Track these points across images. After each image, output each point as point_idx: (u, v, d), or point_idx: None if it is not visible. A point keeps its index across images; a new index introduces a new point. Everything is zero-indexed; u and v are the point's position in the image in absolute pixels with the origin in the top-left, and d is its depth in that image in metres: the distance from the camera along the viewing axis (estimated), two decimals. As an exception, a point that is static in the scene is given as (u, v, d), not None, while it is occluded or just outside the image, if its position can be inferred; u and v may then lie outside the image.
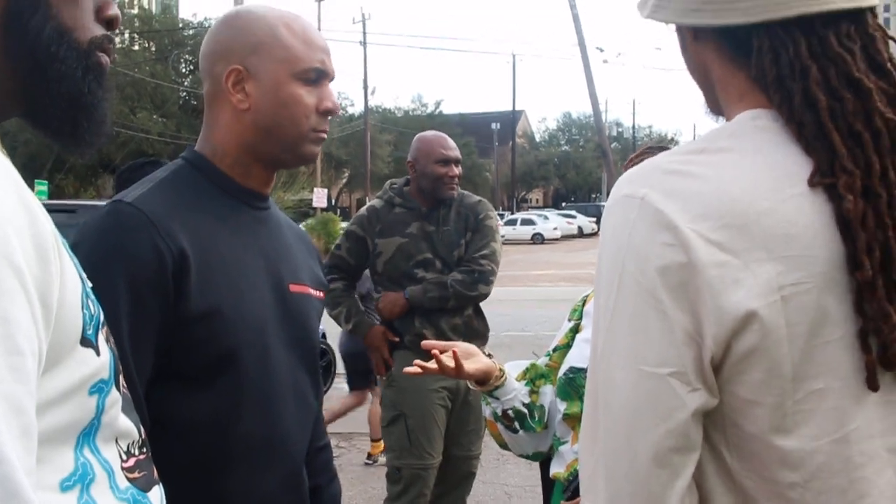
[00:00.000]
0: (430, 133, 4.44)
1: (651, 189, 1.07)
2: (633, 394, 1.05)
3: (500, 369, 2.29)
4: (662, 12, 1.20)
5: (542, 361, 2.38)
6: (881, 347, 1.04)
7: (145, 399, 1.56)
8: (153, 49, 43.64)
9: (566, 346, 2.36)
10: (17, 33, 1.03)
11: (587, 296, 2.43)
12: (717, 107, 1.28)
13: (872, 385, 1.05)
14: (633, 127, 77.99)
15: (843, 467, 1.06)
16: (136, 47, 44.75)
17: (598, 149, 32.32)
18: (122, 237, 1.60)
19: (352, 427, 7.88)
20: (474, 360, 2.26)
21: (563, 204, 69.33)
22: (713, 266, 1.02)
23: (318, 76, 1.77)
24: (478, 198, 4.41)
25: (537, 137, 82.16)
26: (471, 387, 2.34)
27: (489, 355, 4.16)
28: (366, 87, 48.37)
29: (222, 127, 1.78)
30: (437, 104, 65.57)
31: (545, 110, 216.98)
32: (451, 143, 4.32)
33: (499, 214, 50.97)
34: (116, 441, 1.06)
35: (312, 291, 1.90)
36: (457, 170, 4.21)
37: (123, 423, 1.08)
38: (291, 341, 1.79)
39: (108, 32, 1.13)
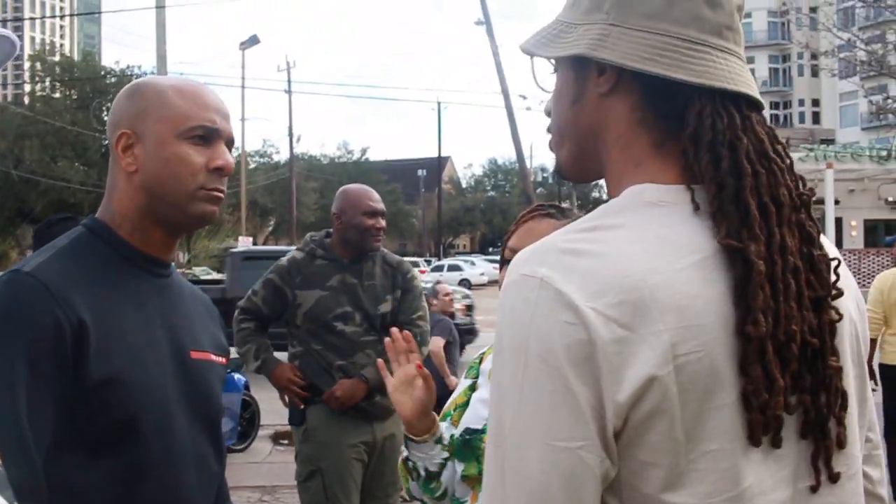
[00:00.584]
0: (356, 185, 4.47)
1: (549, 269, 1.09)
2: (545, 468, 1.06)
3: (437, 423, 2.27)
4: (605, 52, 1.21)
5: (444, 426, 2.35)
6: (760, 410, 1.10)
7: (46, 465, 1.55)
8: (74, 97, 43.12)
9: (465, 405, 2.36)
10: None
11: (484, 353, 2.46)
12: (584, 172, 1.33)
13: (756, 441, 1.10)
14: (558, 172, 78.84)
15: None
16: (58, 95, 44.17)
17: (524, 194, 32.54)
18: (20, 307, 1.59)
19: (276, 480, 7.77)
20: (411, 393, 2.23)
21: (490, 249, 69.77)
22: (612, 342, 1.05)
23: (208, 134, 1.77)
24: (398, 257, 4.46)
25: (463, 183, 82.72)
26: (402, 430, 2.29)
27: None
28: (291, 135, 48.31)
29: (118, 192, 1.80)
30: (364, 151, 65.98)
31: (471, 156, 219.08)
32: (377, 195, 4.36)
33: (425, 260, 51.45)
34: None
35: (214, 358, 1.91)
36: (382, 222, 4.25)
37: None
38: (193, 408, 1.79)
39: None
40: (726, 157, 1.15)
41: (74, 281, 1.65)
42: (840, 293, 1.21)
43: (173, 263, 1.91)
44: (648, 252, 1.10)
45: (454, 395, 2.44)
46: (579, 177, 1.36)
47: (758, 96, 1.23)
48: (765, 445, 1.12)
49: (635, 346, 1.05)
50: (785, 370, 1.11)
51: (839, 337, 1.20)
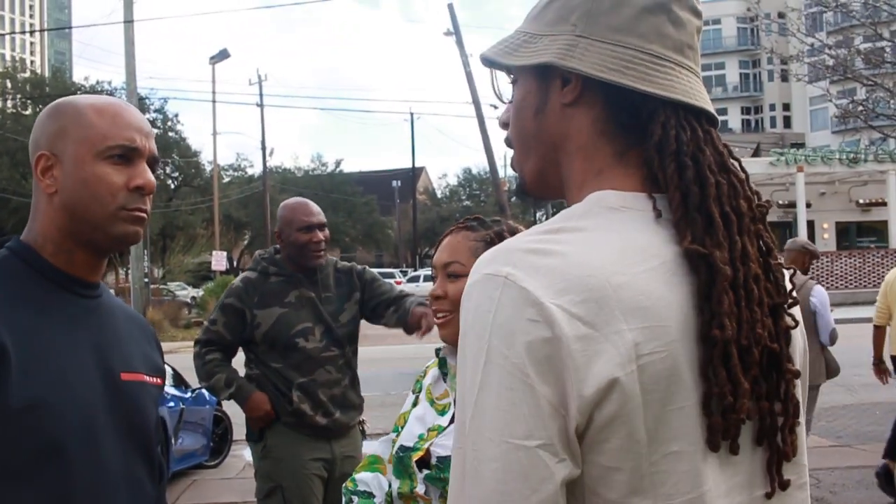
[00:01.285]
0: (292, 200, 4.40)
1: (513, 267, 1.10)
2: (502, 466, 1.06)
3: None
4: (573, 62, 1.22)
5: (388, 438, 2.36)
6: (721, 413, 1.11)
7: None
8: (45, 113, 42.84)
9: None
10: None
11: (428, 366, 2.45)
12: (542, 185, 1.33)
13: (714, 446, 1.12)
14: (532, 181, 79.10)
15: None
16: (28, 112, 43.92)
17: (497, 204, 32.57)
18: None
19: (250, 496, 7.72)
20: None
21: (466, 258, 69.64)
22: (575, 339, 1.06)
23: (128, 153, 1.75)
24: (346, 262, 4.46)
25: (438, 194, 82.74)
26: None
27: (362, 421, 4.12)
28: (264, 148, 48.16)
29: (40, 214, 1.77)
30: (338, 163, 65.72)
31: (445, 166, 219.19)
32: (314, 208, 4.27)
33: (401, 271, 51.45)
34: None
35: (147, 378, 1.87)
36: (321, 235, 4.18)
37: None
38: (124, 430, 1.76)
39: None
40: (690, 168, 1.18)
41: None
42: (795, 301, 1.24)
43: (102, 283, 1.87)
44: (612, 254, 1.12)
45: (403, 408, 2.43)
46: (542, 192, 1.36)
47: (714, 113, 1.26)
48: (722, 451, 1.13)
49: (599, 344, 1.06)
50: (746, 375, 1.13)
51: (793, 345, 1.23)
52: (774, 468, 1.19)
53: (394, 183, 68.00)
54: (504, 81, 1.37)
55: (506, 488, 1.05)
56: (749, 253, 1.18)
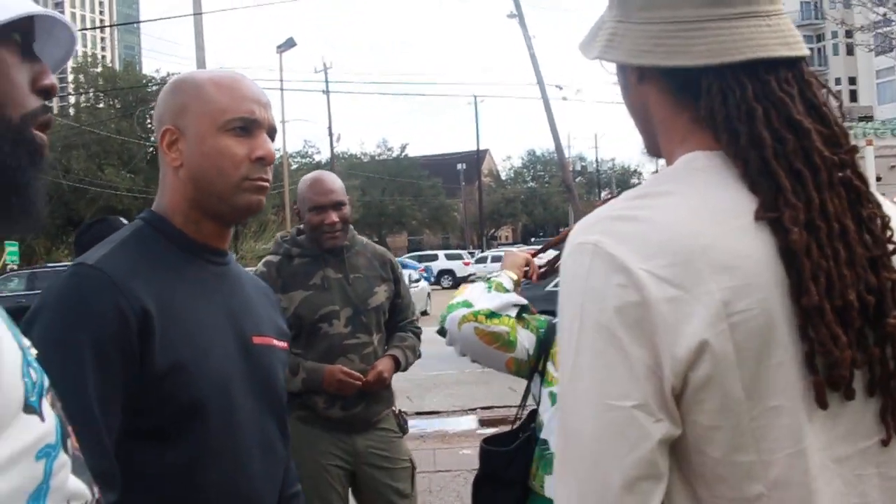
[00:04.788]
0: (309, 175, 3.92)
1: (602, 235, 1.13)
2: (599, 425, 1.08)
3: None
4: (612, 53, 1.25)
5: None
6: (827, 368, 1.11)
7: (116, 454, 1.57)
8: (118, 106, 43.75)
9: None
10: None
11: None
12: (655, 148, 1.34)
13: (822, 404, 1.11)
14: (597, 161, 78.80)
15: (802, 479, 1.11)
16: (102, 105, 44.84)
17: (563, 184, 32.41)
18: (85, 299, 1.62)
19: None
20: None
21: (532, 239, 69.22)
22: (665, 302, 1.07)
23: (248, 125, 1.79)
24: (380, 247, 4.10)
25: (503, 175, 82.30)
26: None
27: (400, 414, 3.94)
28: (331, 134, 48.52)
29: (168, 186, 1.83)
30: (403, 147, 65.81)
31: (509, 149, 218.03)
32: (329, 185, 3.77)
33: (469, 252, 51.16)
34: (68, 503, 1.05)
35: (276, 342, 1.92)
36: (335, 216, 3.71)
37: (74, 485, 1.06)
38: (257, 393, 1.81)
39: (46, 102, 1.11)
40: (744, 132, 1.16)
41: (137, 271, 1.68)
42: None
43: (230, 251, 1.92)
44: (698, 215, 1.12)
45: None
46: (656, 154, 1.36)
47: (778, 53, 1.19)
48: (832, 403, 1.12)
49: (689, 305, 1.07)
50: (848, 328, 1.11)
51: None
52: (890, 416, 1.16)
53: (459, 166, 67.94)
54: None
55: (603, 447, 1.08)
56: (830, 209, 1.14)
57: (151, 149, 39.35)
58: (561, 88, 34.19)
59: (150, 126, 40.11)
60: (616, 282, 1.09)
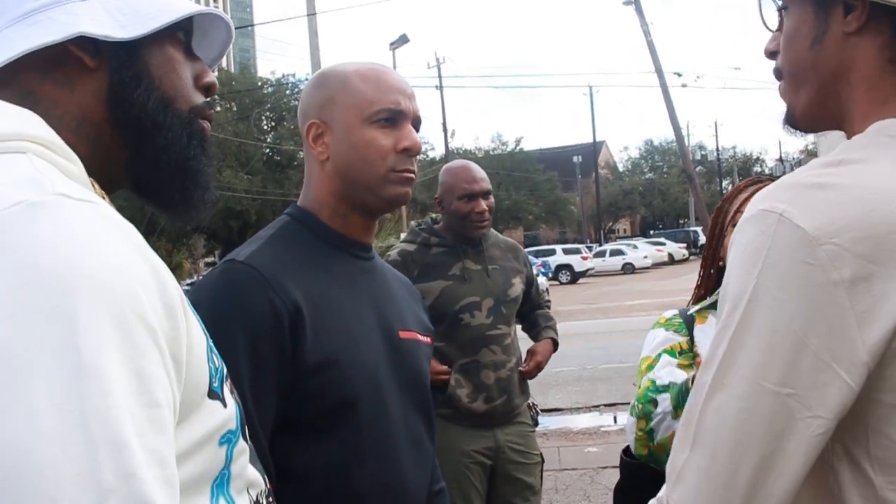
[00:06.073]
0: (455, 164, 3.95)
1: (789, 204, 1.04)
2: (748, 407, 1.03)
3: None
4: None
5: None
6: None
7: (269, 449, 1.60)
8: (235, 109, 44.78)
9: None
10: (124, 106, 1.08)
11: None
12: (820, 116, 1.24)
13: None
14: (717, 149, 76.91)
15: None
16: (218, 108, 45.97)
17: (683, 174, 31.93)
18: (238, 295, 1.64)
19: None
20: None
21: (652, 232, 68.62)
22: (857, 282, 1.00)
23: (394, 116, 1.79)
24: (510, 239, 4.12)
25: (620, 167, 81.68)
26: None
27: (532, 405, 3.96)
28: (445, 130, 48.81)
29: (314, 180, 1.85)
30: (518, 141, 65.56)
31: (626, 139, 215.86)
32: (478, 173, 3.80)
33: (587, 246, 51.14)
34: (248, 491, 1.08)
35: (421, 337, 1.93)
36: (484, 204, 3.73)
37: (252, 473, 1.10)
38: (404, 387, 1.82)
39: (207, 99, 1.18)
40: None
41: (286, 267, 1.70)
42: None
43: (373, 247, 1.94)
44: (895, 187, 1.03)
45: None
46: (814, 124, 1.27)
47: None
48: None
49: (886, 283, 0.99)
50: None
51: None
52: None
53: (574, 158, 67.49)
54: (769, 7, 1.28)
55: (745, 429, 1.03)
56: None
57: (268, 150, 40.22)
58: (680, 76, 33.40)
59: (265, 128, 40.99)
60: (801, 258, 1.01)
